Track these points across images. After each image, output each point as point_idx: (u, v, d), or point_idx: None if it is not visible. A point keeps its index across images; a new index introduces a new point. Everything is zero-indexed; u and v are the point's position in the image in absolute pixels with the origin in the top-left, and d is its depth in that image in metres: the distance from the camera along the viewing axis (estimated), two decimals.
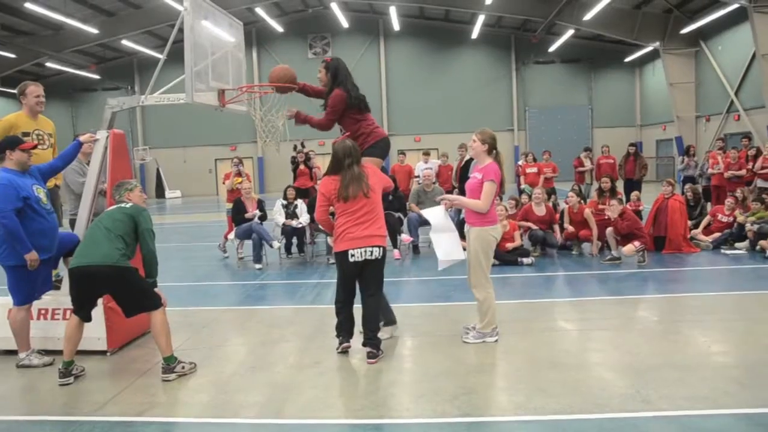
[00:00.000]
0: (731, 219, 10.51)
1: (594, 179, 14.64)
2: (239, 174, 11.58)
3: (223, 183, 12.02)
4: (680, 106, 27.42)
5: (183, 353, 5.27)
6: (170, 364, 4.92)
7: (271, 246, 9.91)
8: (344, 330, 5.45)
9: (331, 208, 5.39)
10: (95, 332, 5.41)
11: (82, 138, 5.94)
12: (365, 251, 5.18)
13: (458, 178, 12.13)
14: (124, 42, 29.59)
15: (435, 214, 5.72)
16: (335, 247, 5.34)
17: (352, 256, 5.18)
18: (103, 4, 26.88)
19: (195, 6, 5.70)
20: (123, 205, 5.17)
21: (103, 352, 5.56)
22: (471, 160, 10.74)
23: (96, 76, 33.86)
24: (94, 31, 27.14)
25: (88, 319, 4.96)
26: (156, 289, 5.08)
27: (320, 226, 5.69)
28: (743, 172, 12.99)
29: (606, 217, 9.90)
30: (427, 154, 14.01)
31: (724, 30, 24.20)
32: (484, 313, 5.56)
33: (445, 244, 5.67)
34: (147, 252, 5.03)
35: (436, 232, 5.74)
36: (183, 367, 4.99)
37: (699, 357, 5.13)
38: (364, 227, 5.20)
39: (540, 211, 10.11)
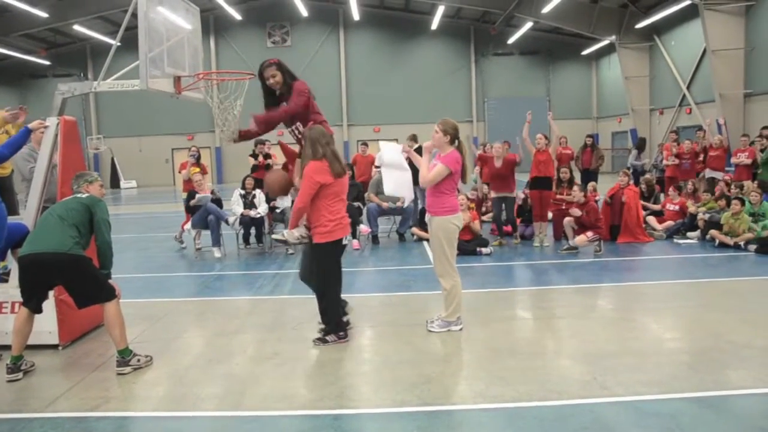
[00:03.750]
0: (677, 207, 10.90)
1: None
2: (196, 163, 11.40)
3: (179, 172, 11.82)
4: (635, 99, 28.01)
5: (138, 346, 5.15)
6: (125, 357, 4.80)
7: (227, 222, 9.79)
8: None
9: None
10: (46, 326, 5.25)
11: (31, 125, 5.74)
12: (346, 236, 5.37)
13: None
14: (76, 27, 28.60)
15: (390, 150, 5.75)
16: (331, 236, 5.20)
17: (343, 241, 5.33)
18: None
19: None
20: (79, 195, 5.01)
21: (54, 346, 5.39)
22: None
23: (46, 62, 32.78)
24: (44, 14, 26.19)
25: (39, 310, 4.79)
26: (110, 281, 4.95)
27: (280, 217, 5.58)
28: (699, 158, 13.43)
29: (563, 207, 10.07)
30: None
31: (676, 26, 24.75)
32: (450, 302, 5.57)
33: (395, 179, 5.75)
34: (102, 243, 4.88)
35: (387, 167, 5.78)
36: (138, 360, 4.87)
37: (653, 343, 5.26)
38: (345, 212, 5.38)
39: (498, 163, 10.11)
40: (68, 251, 4.62)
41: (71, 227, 4.73)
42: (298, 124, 5.61)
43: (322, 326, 5.47)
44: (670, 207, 11.03)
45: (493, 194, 10.52)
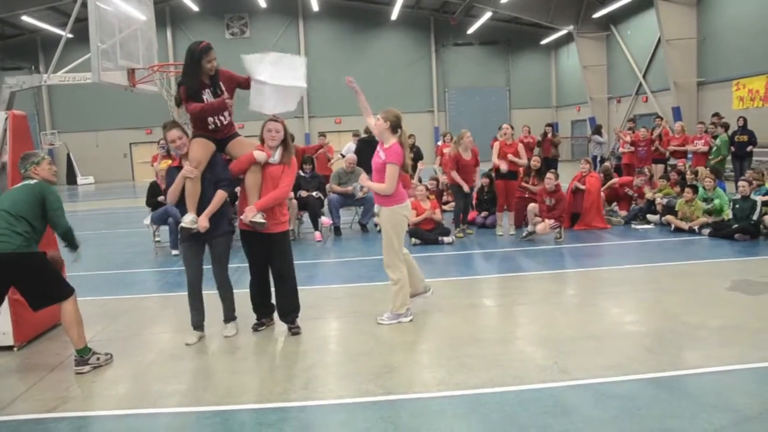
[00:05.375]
0: (636, 195, 11.22)
1: None
2: (167, 155, 11.25)
3: (152, 165, 11.73)
4: (593, 88, 28.48)
5: (98, 344, 5.05)
6: (84, 356, 4.69)
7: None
8: None
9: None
10: (0, 326, 5.11)
11: None
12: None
13: None
14: (25, 18, 27.72)
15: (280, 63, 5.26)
16: (287, 225, 5.52)
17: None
18: None
19: None
20: (28, 182, 4.67)
21: (9, 348, 5.25)
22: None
23: None
24: None
25: None
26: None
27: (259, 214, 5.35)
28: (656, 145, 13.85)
29: (527, 195, 10.20)
30: (356, 135, 13.99)
31: (632, 15, 25.21)
32: (397, 293, 5.58)
33: (274, 96, 5.19)
34: (62, 230, 4.69)
35: (258, 83, 5.24)
36: (98, 359, 4.77)
37: (612, 327, 5.38)
38: None
39: (467, 155, 10.15)
40: (16, 250, 4.38)
41: (20, 221, 4.45)
42: (226, 112, 5.37)
43: (258, 319, 5.73)
44: (629, 192, 11.30)
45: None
